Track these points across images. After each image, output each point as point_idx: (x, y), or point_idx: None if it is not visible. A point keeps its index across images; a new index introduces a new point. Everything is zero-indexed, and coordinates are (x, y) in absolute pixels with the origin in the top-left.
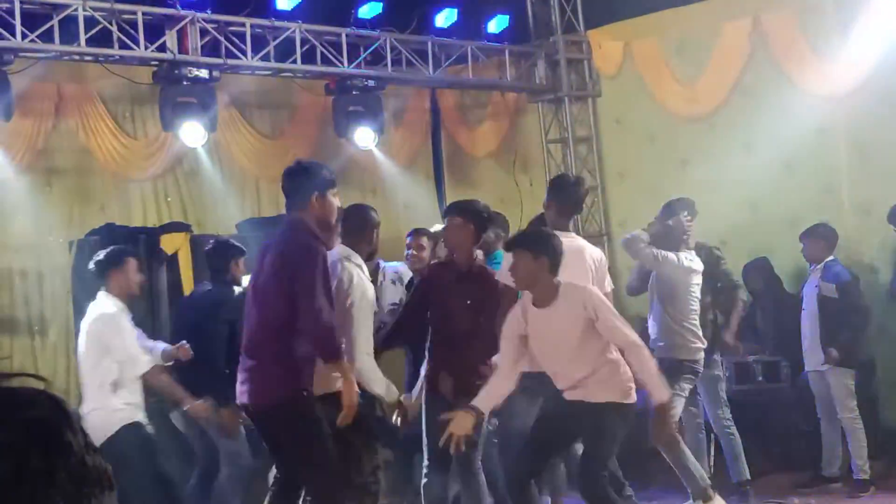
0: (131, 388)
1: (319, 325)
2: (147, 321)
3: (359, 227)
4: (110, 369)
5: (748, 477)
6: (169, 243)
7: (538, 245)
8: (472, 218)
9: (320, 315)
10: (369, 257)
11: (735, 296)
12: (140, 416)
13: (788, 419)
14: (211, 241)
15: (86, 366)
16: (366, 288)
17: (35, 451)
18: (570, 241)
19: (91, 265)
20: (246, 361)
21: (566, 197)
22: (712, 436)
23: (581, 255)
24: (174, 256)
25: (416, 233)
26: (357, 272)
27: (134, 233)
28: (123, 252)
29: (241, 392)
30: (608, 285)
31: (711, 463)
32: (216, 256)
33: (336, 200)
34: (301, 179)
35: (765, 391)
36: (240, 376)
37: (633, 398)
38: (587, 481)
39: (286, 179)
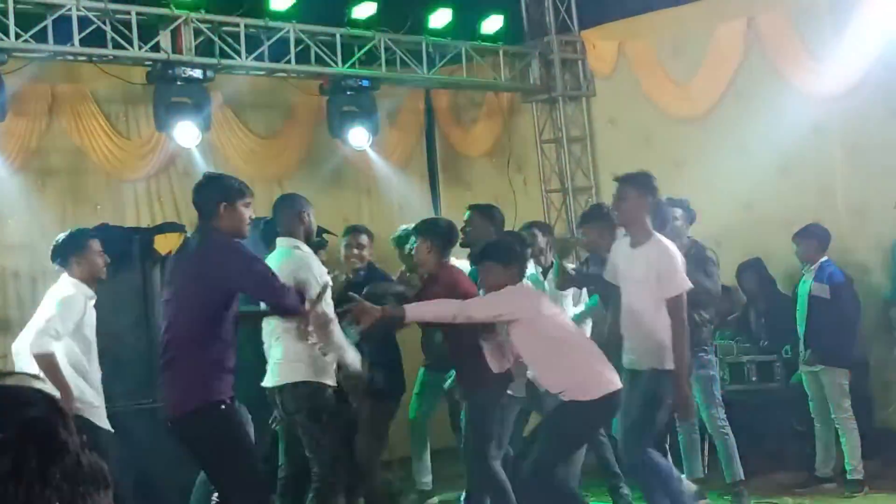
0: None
1: (282, 294)
2: (142, 322)
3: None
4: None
5: (742, 477)
6: (163, 244)
7: (507, 255)
8: (431, 237)
9: (268, 280)
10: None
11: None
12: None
13: (782, 419)
14: None
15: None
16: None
17: (31, 450)
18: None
19: (51, 250)
20: (163, 373)
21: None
22: (706, 435)
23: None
24: (168, 257)
25: (356, 231)
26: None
27: (128, 233)
28: (84, 234)
29: (163, 405)
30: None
31: (705, 463)
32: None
33: (248, 211)
34: (208, 190)
35: (758, 391)
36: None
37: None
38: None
39: (195, 193)
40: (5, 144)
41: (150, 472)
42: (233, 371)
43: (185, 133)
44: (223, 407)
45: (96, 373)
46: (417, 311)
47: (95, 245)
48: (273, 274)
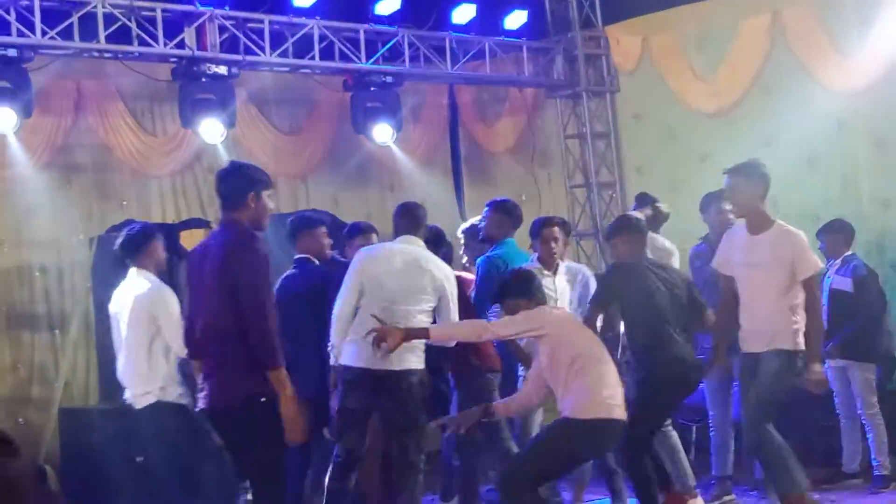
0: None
1: (261, 328)
2: None
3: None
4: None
5: None
6: (188, 239)
7: (528, 289)
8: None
9: (263, 319)
10: None
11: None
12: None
13: (808, 414)
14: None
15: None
16: None
17: None
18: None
19: (121, 244)
20: (203, 368)
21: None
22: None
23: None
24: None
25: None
26: None
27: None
28: (151, 228)
29: (200, 397)
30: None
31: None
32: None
33: (271, 202)
34: (237, 179)
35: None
36: (200, 382)
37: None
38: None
39: (221, 181)
40: (31, 141)
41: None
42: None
43: (211, 129)
44: (263, 400)
45: None
46: (442, 332)
47: (160, 237)
48: (272, 308)
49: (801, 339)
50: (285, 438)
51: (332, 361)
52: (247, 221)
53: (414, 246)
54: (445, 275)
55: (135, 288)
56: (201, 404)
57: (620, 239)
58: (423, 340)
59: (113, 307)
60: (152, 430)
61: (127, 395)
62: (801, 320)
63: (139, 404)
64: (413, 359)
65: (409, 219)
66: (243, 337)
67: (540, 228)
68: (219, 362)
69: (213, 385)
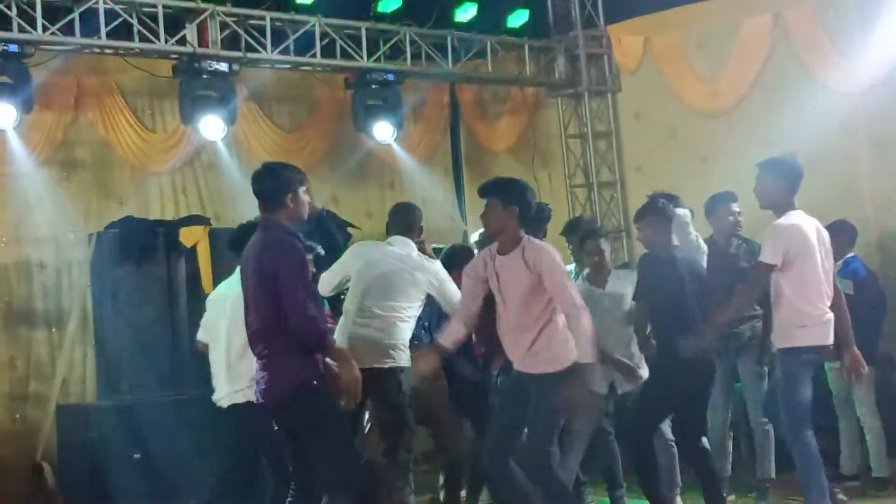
0: None
1: (303, 317)
2: (166, 314)
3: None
4: None
5: (772, 475)
6: (188, 236)
7: (510, 194)
8: None
9: (303, 308)
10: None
11: None
12: None
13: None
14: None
15: None
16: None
17: None
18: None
19: (231, 239)
20: (256, 362)
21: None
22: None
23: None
24: (193, 249)
25: None
26: None
27: (152, 226)
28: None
29: (257, 391)
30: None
31: (731, 460)
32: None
33: (306, 197)
34: (274, 182)
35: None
36: (256, 376)
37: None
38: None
39: (259, 182)
40: (31, 137)
41: (179, 460)
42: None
43: (211, 126)
44: (315, 383)
45: None
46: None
47: None
48: (313, 298)
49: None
50: (344, 403)
51: None
52: (286, 220)
53: (405, 249)
54: (433, 272)
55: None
56: (258, 398)
57: (645, 222)
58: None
59: (217, 301)
60: (245, 429)
61: (223, 392)
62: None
63: (234, 401)
64: (396, 356)
65: (403, 220)
66: (288, 329)
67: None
68: (269, 356)
69: (267, 378)
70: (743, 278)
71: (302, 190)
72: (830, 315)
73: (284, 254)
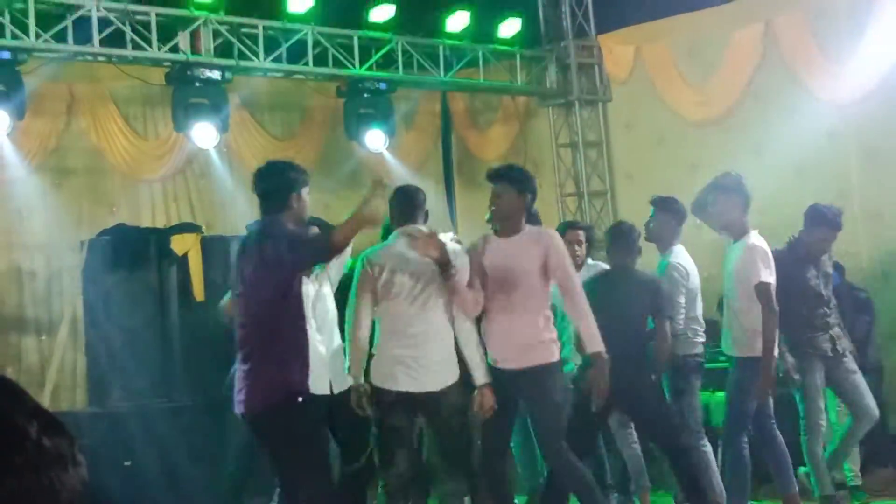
0: None
1: (313, 245)
2: (157, 321)
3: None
4: None
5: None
6: (179, 244)
7: (525, 182)
8: None
9: (310, 242)
10: None
11: None
12: None
13: (796, 422)
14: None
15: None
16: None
17: None
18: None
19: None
20: (240, 368)
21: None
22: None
23: None
24: (184, 257)
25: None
26: None
27: (144, 233)
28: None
29: (238, 401)
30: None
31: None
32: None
33: (308, 198)
34: (279, 180)
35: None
36: (237, 384)
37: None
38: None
39: (262, 181)
40: (24, 144)
41: (167, 469)
42: (307, 363)
43: (203, 134)
44: (300, 400)
45: None
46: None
47: None
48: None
49: None
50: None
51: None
52: (290, 221)
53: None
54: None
55: None
56: (239, 409)
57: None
58: None
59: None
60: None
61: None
62: None
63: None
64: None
65: (408, 205)
66: (279, 331)
67: (563, 232)
68: (256, 362)
69: (251, 386)
70: None
71: (305, 191)
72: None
73: (283, 240)
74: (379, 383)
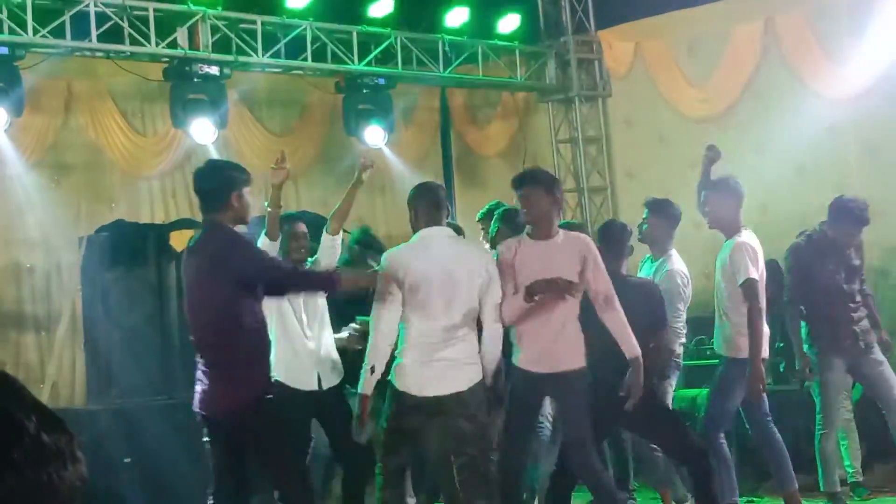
0: None
1: (297, 279)
2: (156, 317)
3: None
4: None
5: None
6: (178, 240)
7: (553, 184)
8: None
9: (292, 273)
10: None
11: None
12: None
13: (798, 422)
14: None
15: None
16: None
17: None
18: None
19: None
20: (203, 373)
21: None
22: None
23: None
24: (183, 253)
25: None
26: None
27: (143, 229)
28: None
29: (198, 401)
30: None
31: None
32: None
33: (251, 198)
34: (218, 180)
35: (773, 394)
36: (197, 384)
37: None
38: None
39: (202, 180)
40: (22, 140)
41: (166, 466)
42: (267, 363)
43: (202, 130)
44: (261, 401)
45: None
46: None
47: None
48: (277, 259)
49: None
50: None
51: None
52: (230, 222)
53: (448, 240)
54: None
55: None
56: (201, 408)
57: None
58: None
59: None
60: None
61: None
62: None
63: None
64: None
65: (432, 204)
66: (243, 337)
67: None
68: (219, 366)
69: (214, 388)
70: None
71: (247, 190)
72: (767, 329)
73: (235, 248)
74: (403, 388)
